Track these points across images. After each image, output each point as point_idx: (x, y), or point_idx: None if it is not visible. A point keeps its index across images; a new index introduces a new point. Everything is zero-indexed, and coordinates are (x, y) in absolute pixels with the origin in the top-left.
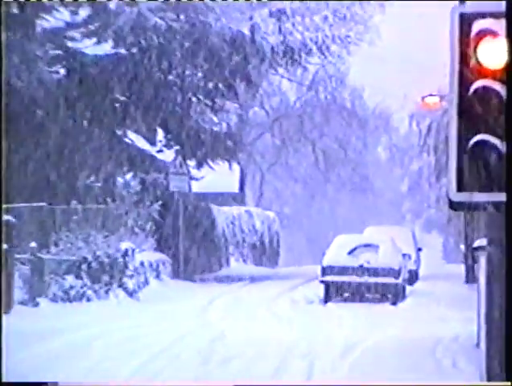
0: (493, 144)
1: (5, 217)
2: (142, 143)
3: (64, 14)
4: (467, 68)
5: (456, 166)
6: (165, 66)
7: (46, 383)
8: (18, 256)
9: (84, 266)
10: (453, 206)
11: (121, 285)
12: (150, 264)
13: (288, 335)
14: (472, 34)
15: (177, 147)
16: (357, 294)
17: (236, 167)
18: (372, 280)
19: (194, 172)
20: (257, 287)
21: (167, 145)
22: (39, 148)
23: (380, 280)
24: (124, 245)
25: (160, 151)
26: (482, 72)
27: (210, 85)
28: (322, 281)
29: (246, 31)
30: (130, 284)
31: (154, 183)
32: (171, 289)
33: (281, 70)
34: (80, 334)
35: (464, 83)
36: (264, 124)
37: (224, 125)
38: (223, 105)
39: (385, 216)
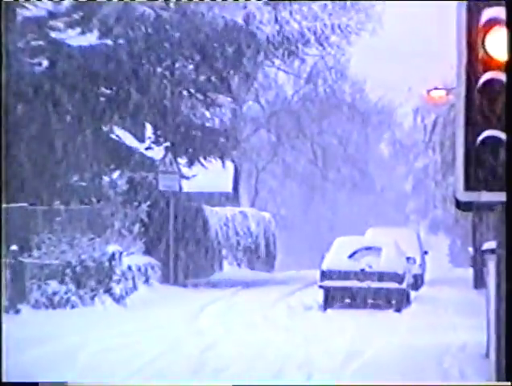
0: (503, 140)
1: None
2: (129, 140)
3: (46, 3)
4: (475, 60)
5: (464, 164)
6: (154, 58)
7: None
8: None
9: (68, 271)
10: (460, 206)
11: (107, 291)
12: (139, 269)
13: (285, 344)
14: (481, 23)
15: (167, 144)
16: (359, 300)
17: (229, 165)
18: (374, 285)
19: (185, 170)
20: (252, 293)
21: (157, 142)
22: (19, 145)
23: (383, 285)
24: (111, 248)
25: (149, 148)
26: (491, 64)
27: (202, 78)
28: (321, 287)
29: (240, 20)
30: (117, 289)
31: (142, 182)
32: (160, 294)
33: (277, 62)
34: (64, 342)
35: (472, 75)
36: (259, 119)
37: (216, 120)
38: (215, 99)
39: (388, 217)
